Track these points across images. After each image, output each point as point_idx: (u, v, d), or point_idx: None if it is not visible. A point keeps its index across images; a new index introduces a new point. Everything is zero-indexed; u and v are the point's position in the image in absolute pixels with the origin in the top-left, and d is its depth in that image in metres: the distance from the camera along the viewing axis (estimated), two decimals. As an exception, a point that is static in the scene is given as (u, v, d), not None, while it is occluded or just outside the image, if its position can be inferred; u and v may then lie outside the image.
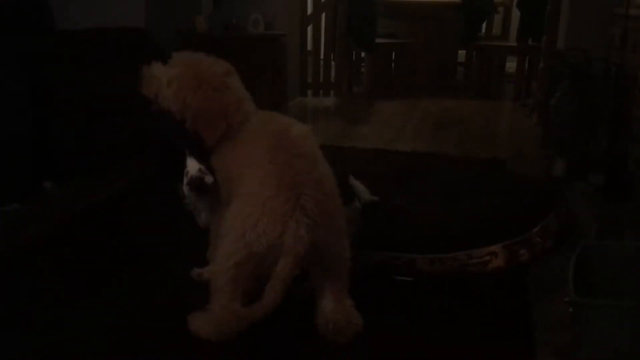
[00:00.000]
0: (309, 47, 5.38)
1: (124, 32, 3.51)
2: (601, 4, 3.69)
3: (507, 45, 5.78)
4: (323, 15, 5.36)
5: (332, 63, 5.53)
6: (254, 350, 1.64)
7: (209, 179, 1.78)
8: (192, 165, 1.79)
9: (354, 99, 5.53)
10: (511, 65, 5.77)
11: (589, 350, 1.55)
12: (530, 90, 5.30)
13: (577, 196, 2.79)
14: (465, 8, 5.68)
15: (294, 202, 1.48)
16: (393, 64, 6.04)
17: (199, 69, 1.77)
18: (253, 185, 1.55)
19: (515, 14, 5.82)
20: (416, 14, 5.78)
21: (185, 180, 1.81)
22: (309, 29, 5.34)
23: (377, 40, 5.56)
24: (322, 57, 5.46)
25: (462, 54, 6.00)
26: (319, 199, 1.51)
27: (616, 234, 2.36)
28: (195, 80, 1.74)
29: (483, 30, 6.14)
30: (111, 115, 3.04)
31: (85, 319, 1.78)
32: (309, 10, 5.34)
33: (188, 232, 2.22)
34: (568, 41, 4.01)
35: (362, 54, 6.10)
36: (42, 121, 2.73)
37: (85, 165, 2.86)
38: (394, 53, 5.96)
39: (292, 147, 1.59)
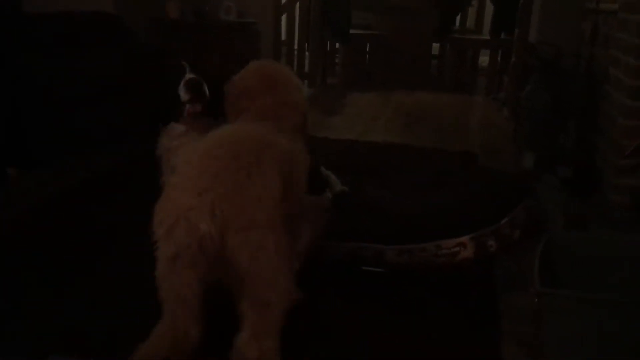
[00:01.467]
0: (283, 36, 5.33)
1: (94, 17, 3.42)
2: (573, -1, 3.73)
3: (481, 39, 5.81)
4: (297, 5, 5.31)
5: (306, 53, 5.49)
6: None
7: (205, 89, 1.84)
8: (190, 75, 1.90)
9: (328, 90, 5.51)
10: (485, 59, 5.80)
11: (554, 340, 1.57)
12: (503, 84, 5.34)
13: (545, 189, 2.81)
14: (439, 1, 5.69)
15: (199, 200, 1.33)
16: (368, 56, 6.03)
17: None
18: (172, 181, 1.45)
19: (489, 7, 5.85)
20: (391, 6, 5.77)
21: (182, 84, 1.89)
22: (283, 18, 5.29)
23: (352, 32, 5.53)
24: (296, 47, 5.42)
25: (436, 47, 6.01)
26: (233, 205, 1.34)
27: (582, 226, 2.39)
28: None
29: (457, 23, 6.16)
30: (80, 101, 2.97)
31: (49, 310, 1.74)
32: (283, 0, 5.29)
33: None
34: (540, 35, 4.04)
35: (337, 45, 6.08)
36: (7, 106, 2.65)
37: (51, 152, 2.79)
38: (368, 45, 5.95)
39: (230, 148, 1.45)
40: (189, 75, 2.00)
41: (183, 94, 2.00)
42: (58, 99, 2.86)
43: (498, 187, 2.58)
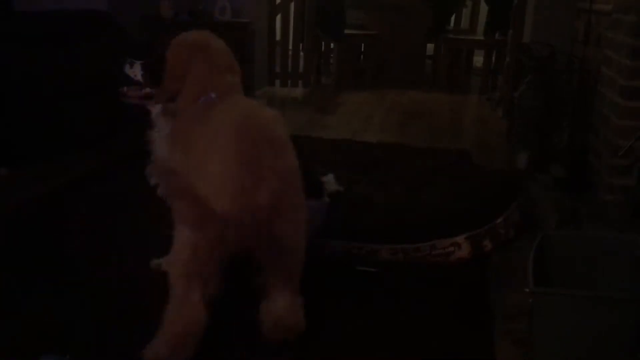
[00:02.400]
0: (278, 36, 5.33)
1: (86, 15, 3.41)
2: (566, -1, 3.74)
3: (475, 39, 5.83)
4: (292, 5, 5.31)
5: (301, 53, 5.49)
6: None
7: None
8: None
9: (322, 90, 5.51)
10: (479, 59, 5.82)
11: (547, 339, 1.57)
12: (497, 83, 5.35)
13: (539, 188, 2.82)
14: (434, 1, 5.70)
15: (251, 187, 1.41)
16: (362, 56, 6.03)
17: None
18: (215, 165, 1.48)
19: (483, 7, 5.87)
20: (386, 5, 5.77)
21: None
22: (278, 18, 5.28)
23: (347, 31, 5.54)
24: (290, 47, 5.41)
25: (430, 46, 6.02)
26: (279, 187, 1.45)
27: (575, 224, 2.40)
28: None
29: (451, 23, 6.17)
30: (70, 100, 2.95)
31: (41, 309, 1.73)
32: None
33: (149, 221, 2.18)
34: (534, 35, 4.05)
35: (331, 45, 6.08)
36: (-3, 104, 2.63)
37: (41, 151, 2.77)
38: (363, 44, 5.95)
39: (260, 131, 1.53)
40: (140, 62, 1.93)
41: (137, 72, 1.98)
42: (48, 98, 2.85)
43: (492, 186, 2.59)
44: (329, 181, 2.54)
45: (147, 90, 1.92)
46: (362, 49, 6.00)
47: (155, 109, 1.98)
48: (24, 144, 2.72)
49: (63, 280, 1.89)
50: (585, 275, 1.78)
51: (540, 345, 1.59)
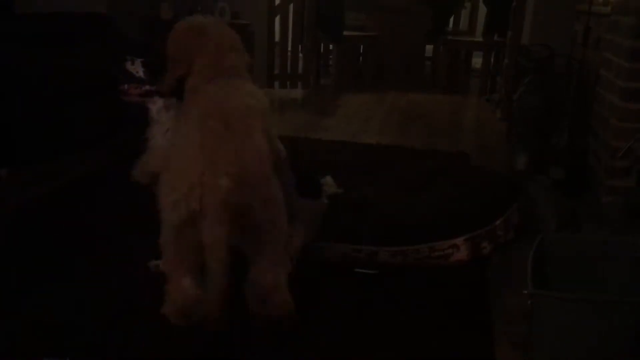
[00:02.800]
0: (277, 38, 5.33)
1: (86, 17, 3.41)
2: (565, 1, 3.75)
3: (474, 41, 5.83)
4: (291, 6, 5.30)
5: (300, 55, 5.49)
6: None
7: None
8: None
9: (322, 91, 5.51)
10: (477, 60, 5.82)
11: (546, 341, 1.57)
12: (496, 85, 5.35)
13: (538, 190, 2.82)
14: (433, 2, 5.70)
15: (210, 165, 1.47)
16: (361, 57, 6.03)
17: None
18: (176, 159, 1.57)
19: (482, 9, 5.87)
20: (385, 7, 5.77)
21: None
22: (277, 19, 5.28)
23: (346, 33, 5.54)
24: (289, 48, 5.41)
25: (429, 48, 6.03)
26: (239, 164, 1.49)
27: (575, 226, 2.40)
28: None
29: (450, 25, 6.17)
30: (70, 102, 2.95)
31: (42, 310, 1.73)
32: (277, 1, 5.28)
33: (148, 222, 2.17)
34: (533, 37, 4.06)
35: (330, 46, 6.08)
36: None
37: (41, 152, 2.77)
38: (362, 46, 5.95)
39: (221, 118, 1.57)
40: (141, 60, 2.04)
41: (139, 68, 2.01)
42: (48, 99, 2.85)
43: (491, 188, 2.59)
44: (328, 183, 2.54)
45: (147, 87, 1.94)
46: (362, 51, 6.00)
47: (157, 105, 1.99)
48: (24, 145, 2.71)
49: (63, 280, 1.89)
50: (585, 277, 1.78)
51: (539, 348, 1.59)
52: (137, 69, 1.96)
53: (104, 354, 1.56)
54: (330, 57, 6.17)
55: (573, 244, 1.83)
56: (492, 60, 5.51)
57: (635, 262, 1.71)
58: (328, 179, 2.55)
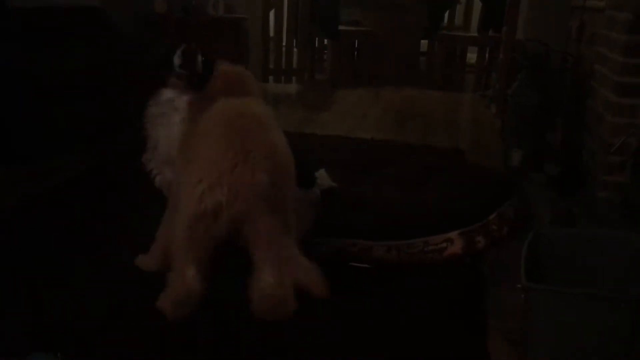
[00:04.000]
0: (271, 32, 5.31)
1: (80, 11, 3.38)
2: (560, -4, 3.74)
3: (469, 36, 5.82)
4: (286, 1, 5.29)
5: (295, 49, 5.47)
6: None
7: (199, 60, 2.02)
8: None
9: (316, 87, 5.49)
10: (473, 56, 5.81)
11: (540, 336, 1.57)
12: (491, 81, 5.35)
13: (533, 186, 2.82)
14: (428, -2, 5.69)
15: (242, 159, 1.51)
16: (356, 52, 6.02)
17: None
18: (204, 151, 1.59)
19: (477, 4, 5.86)
20: (380, 2, 5.75)
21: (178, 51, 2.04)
22: (271, 14, 5.26)
23: (341, 28, 5.52)
24: (284, 43, 5.39)
25: (424, 43, 6.02)
26: (275, 160, 1.55)
27: (569, 222, 2.40)
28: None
29: (445, 20, 6.16)
30: (65, 98, 2.93)
31: (31, 307, 1.72)
32: (272, -5, 5.27)
33: (147, 221, 2.16)
34: (527, 32, 4.06)
35: (325, 41, 6.06)
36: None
37: (37, 150, 2.75)
38: (357, 41, 5.93)
39: (253, 117, 1.64)
40: (184, 46, 2.10)
41: (176, 59, 2.08)
42: (43, 95, 2.83)
43: (486, 183, 2.59)
44: (322, 176, 2.53)
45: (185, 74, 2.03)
46: (357, 46, 5.99)
47: (182, 97, 2.04)
48: (21, 143, 2.69)
49: (59, 279, 1.88)
50: (579, 273, 1.78)
51: (533, 343, 1.59)
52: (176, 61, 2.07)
53: (94, 352, 1.55)
54: (325, 52, 6.15)
55: (567, 238, 1.83)
56: (487, 56, 5.51)
57: (629, 257, 1.71)
58: (322, 172, 2.54)
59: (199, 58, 2.10)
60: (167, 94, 2.14)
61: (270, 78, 5.35)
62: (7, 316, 1.67)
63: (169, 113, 2.13)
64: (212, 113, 1.71)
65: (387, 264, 2.09)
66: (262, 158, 1.54)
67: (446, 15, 6.14)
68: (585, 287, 1.71)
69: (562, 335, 1.54)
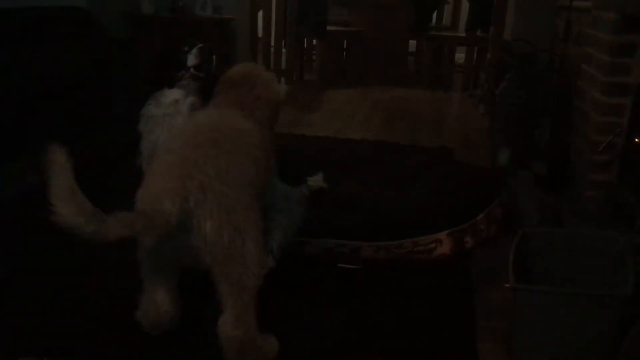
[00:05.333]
0: (260, 33, 5.29)
1: (64, 12, 3.36)
2: (547, -4, 3.76)
3: (457, 36, 5.84)
4: (274, 1, 5.27)
5: (283, 50, 5.46)
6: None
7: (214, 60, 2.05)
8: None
9: (305, 87, 5.49)
10: (461, 55, 5.83)
11: (527, 335, 1.58)
12: (479, 81, 5.37)
13: (520, 185, 2.83)
14: (416, -2, 5.70)
15: (179, 181, 1.39)
16: (345, 53, 6.02)
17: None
18: (158, 165, 1.51)
19: (465, 4, 5.88)
20: (368, 2, 5.76)
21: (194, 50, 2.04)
22: (260, 14, 5.25)
23: (329, 28, 5.51)
24: (272, 43, 5.38)
25: (413, 43, 6.03)
26: (217, 190, 1.40)
27: (555, 221, 2.41)
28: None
29: (434, 20, 6.18)
30: (50, 98, 2.90)
31: (17, 309, 1.70)
32: (260, -5, 5.25)
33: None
34: (515, 32, 4.07)
35: (314, 42, 6.06)
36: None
37: (16, 149, 2.72)
38: (345, 41, 5.94)
39: (210, 135, 1.55)
40: (200, 45, 2.07)
41: (192, 58, 2.05)
42: (27, 95, 2.80)
43: (474, 183, 2.60)
44: (317, 179, 2.53)
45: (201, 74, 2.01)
46: (345, 46, 5.99)
47: (189, 97, 2.02)
48: (5, 142, 2.66)
49: (42, 281, 1.86)
50: (566, 272, 1.79)
51: (520, 342, 1.60)
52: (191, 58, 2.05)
53: (81, 355, 1.54)
54: (314, 52, 6.15)
55: (555, 238, 1.84)
56: (475, 55, 5.53)
57: (616, 256, 1.72)
58: (319, 176, 2.54)
59: (215, 58, 2.06)
60: (173, 95, 2.09)
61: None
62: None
63: (173, 115, 2.08)
64: (182, 129, 1.67)
65: (376, 264, 2.09)
66: (204, 178, 1.40)
67: (434, 15, 6.16)
68: (571, 286, 1.72)
69: (549, 332, 1.55)
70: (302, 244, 2.09)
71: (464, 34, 5.70)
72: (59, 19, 3.25)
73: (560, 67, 3.34)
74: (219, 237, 1.40)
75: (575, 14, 3.17)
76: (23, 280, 1.86)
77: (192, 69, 2.05)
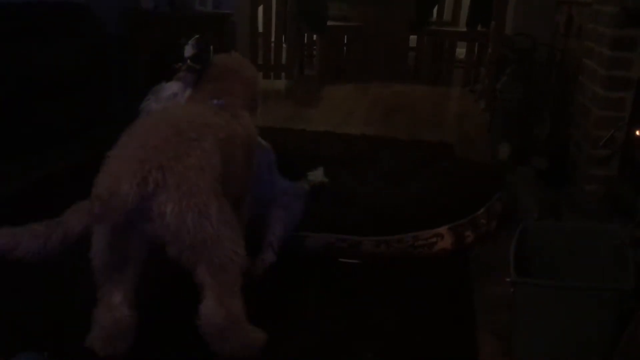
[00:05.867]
0: (260, 28, 5.28)
1: (61, 7, 3.33)
2: (547, -10, 3.75)
3: (457, 31, 5.83)
4: (274, -4, 5.27)
5: (283, 45, 5.45)
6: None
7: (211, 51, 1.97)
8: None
9: (305, 82, 5.48)
10: (461, 51, 5.82)
11: (528, 329, 1.58)
12: (480, 76, 5.36)
13: (520, 179, 2.83)
14: (416, -7, 5.68)
15: (138, 164, 1.33)
16: (345, 48, 6.01)
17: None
18: (117, 151, 1.44)
19: (466, -1, 5.87)
20: (368, -3, 5.75)
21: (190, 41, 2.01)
22: (260, 9, 5.24)
23: (329, 23, 5.50)
24: (273, 39, 5.37)
25: (413, 39, 6.02)
26: (177, 172, 1.35)
27: (556, 215, 2.41)
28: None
29: (434, 15, 6.16)
30: (45, 95, 2.89)
31: (15, 305, 1.71)
32: (260, -9, 5.24)
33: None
34: (515, 27, 4.06)
35: (314, 37, 6.04)
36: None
37: (19, 145, 2.71)
38: (345, 36, 5.93)
39: (173, 123, 1.49)
40: (197, 35, 2.06)
41: (189, 49, 2.04)
42: (25, 91, 2.79)
43: (474, 178, 2.60)
44: (316, 173, 2.53)
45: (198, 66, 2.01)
46: (345, 41, 5.98)
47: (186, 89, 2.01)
48: (3, 139, 2.65)
49: (41, 277, 1.86)
50: (566, 266, 1.79)
51: (520, 336, 1.60)
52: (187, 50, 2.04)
53: (81, 351, 1.53)
54: (314, 48, 6.14)
55: (555, 232, 1.84)
56: (475, 50, 5.52)
57: (616, 250, 1.72)
58: (319, 171, 2.54)
59: (212, 50, 2.04)
60: (171, 88, 2.08)
61: (259, 74, 5.33)
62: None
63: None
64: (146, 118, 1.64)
65: (376, 259, 2.09)
66: (160, 165, 1.35)
67: (435, 10, 6.15)
68: (571, 279, 1.72)
69: (550, 326, 1.55)
70: (302, 239, 2.09)
71: (464, 29, 5.68)
72: (56, 14, 3.23)
73: (561, 61, 3.33)
74: (181, 222, 1.34)
75: (576, 8, 3.17)
76: (23, 276, 1.85)
77: (189, 61, 2.03)
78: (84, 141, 2.94)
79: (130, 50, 3.64)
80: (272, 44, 5.36)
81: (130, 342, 1.49)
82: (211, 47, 2.03)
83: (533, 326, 1.56)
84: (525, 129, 3.29)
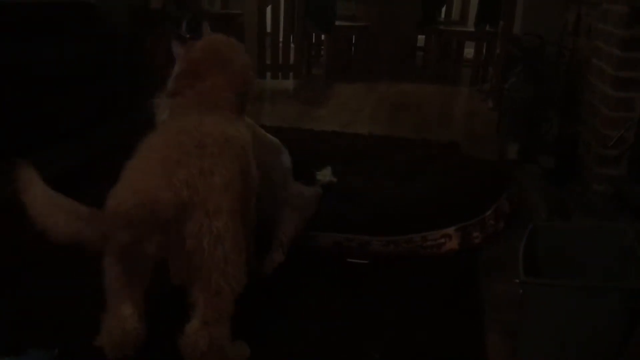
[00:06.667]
0: (268, 28, 5.29)
1: (70, 5, 3.36)
2: (556, -10, 3.74)
3: (465, 31, 5.82)
4: (282, -4, 5.27)
5: (291, 45, 5.46)
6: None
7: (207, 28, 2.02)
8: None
9: (313, 82, 5.49)
10: (469, 50, 5.81)
11: (537, 329, 1.58)
12: (487, 75, 5.35)
13: (528, 179, 2.83)
14: (424, -8, 5.68)
15: (166, 178, 1.30)
16: (353, 47, 6.01)
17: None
18: (135, 164, 1.40)
19: (474, -1, 5.86)
20: (376, -3, 5.75)
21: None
22: (268, 9, 5.25)
23: (337, 23, 5.51)
24: (281, 38, 5.38)
25: (421, 38, 6.01)
26: (202, 192, 1.31)
27: (564, 215, 2.41)
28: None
29: (442, 14, 6.15)
30: (51, 92, 2.91)
31: (25, 302, 1.72)
32: (268, -10, 5.25)
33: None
34: (524, 26, 4.05)
35: (322, 36, 6.05)
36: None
37: (21, 144, 2.73)
38: (353, 36, 5.93)
39: (195, 136, 1.42)
40: (191, 14, 2.08)
41: (184, 25, 2.07)
42: (30, 89, 2.80)
43: (482, 177, 2.60)
44: (325, 173, 2.54)
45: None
46: (353, 41, 5.98)
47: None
48: (11, 136, 2.67)
49: (50, 274, 1.87)
50: (575, 266, 1.78)
51: (528, 335, 1.60)
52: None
53: (92, 347, 1.54)
54: (322, 47, 6.14)
55: (563, 232, 1.83)
56: (483, 50, 5.51)
57: (624, 250, 1.71)
58: (327, 170, 2.55)
59: (206, 26, 2.04)
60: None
61: (268, 74, 5.34)
62: (3, 312, 1.67)
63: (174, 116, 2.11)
64: (162, 127, 1.56)
65: (384, 259, 2.09)
66: (183, 182, 1.30)
67: (443, 9, 6.14)
68: (580, 279, 1.71)
69: (558, 326, 1.55)
70: (310, 238, 2.10)
71: (472, 29, 5.67)
72: (66, 14, 3.25)
73: (570, 61, 3.32)
74: (198, 244, 1.31)
75: (585, 7, 3.15)
76: (32, 273, 1.87)
77: (183, 33, 2.06)
78: (90, 140, 2.96)
79: (138, 50, 3.65)
80: (280, 44, 5.37)
81: (139, 348, 1.48)
82: (205, 23, 2.06)
83: (541, 326, 1.56)
84: (533, 128, 3.29)
